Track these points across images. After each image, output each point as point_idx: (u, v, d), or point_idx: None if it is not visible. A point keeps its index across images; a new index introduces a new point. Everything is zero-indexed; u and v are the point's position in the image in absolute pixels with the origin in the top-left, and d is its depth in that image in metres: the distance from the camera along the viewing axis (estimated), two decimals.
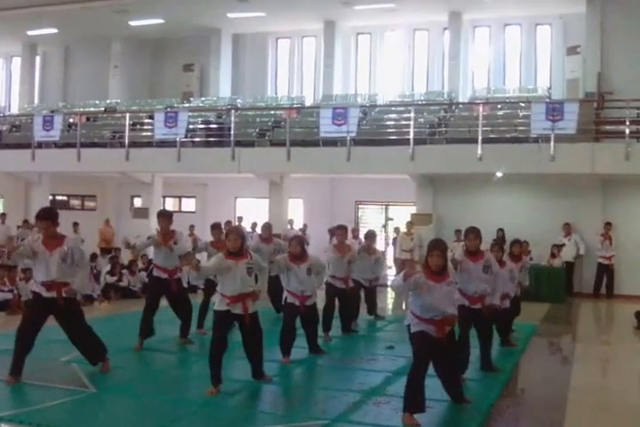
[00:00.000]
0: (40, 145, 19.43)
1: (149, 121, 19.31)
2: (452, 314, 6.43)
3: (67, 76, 26.16)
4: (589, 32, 18.61)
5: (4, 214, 20.09)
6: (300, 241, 8.79)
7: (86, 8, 20.97)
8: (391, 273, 17.52)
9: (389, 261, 17.92)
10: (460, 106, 19.04)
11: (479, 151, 15.34)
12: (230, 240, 7.14)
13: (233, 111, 18.52)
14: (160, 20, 21.93)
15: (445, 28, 21.04)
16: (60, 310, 7.29)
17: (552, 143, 14.82)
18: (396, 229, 18.61)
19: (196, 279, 12.51)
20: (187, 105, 21.77)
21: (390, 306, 15.36)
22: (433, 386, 6.61)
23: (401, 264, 16.27)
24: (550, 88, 19.84)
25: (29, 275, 10.62)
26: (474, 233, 7.84)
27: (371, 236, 11.97)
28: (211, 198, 21.96)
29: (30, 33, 23.83)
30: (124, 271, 15.10)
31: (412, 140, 16.04)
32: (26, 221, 18.95)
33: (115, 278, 14.82)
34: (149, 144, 18.76)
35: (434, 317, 6.36)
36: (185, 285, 10.42)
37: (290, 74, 23.73)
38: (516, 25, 20.91)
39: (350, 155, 16.31)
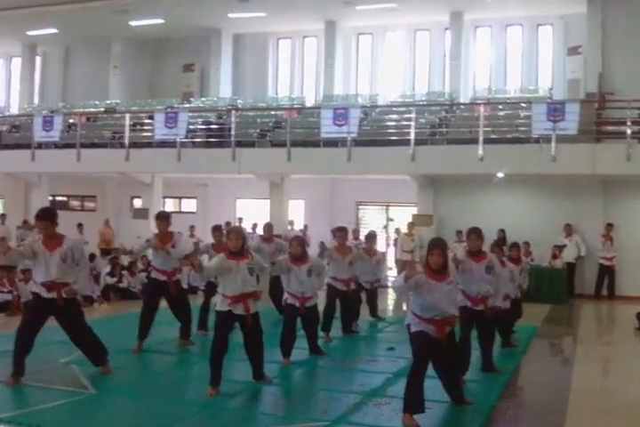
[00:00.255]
0: (40, 145, 19.41)
1: (149, 121, 19.29)
2: (452, 314, 6.41)
3: (67, 76, 26.14)
4: (590, 32, 18.59)
5: (3, 215, 20.07)
6: (300, 242, 8.77)
7: (86, 8, 20.95)
8: (392, 274, 17.46)
9: (390, 262, 17.89)
10: (461, 106, 19.03)
11: (480, 152, 15.32)
12: (231, 240, 7.12)
13: (233, 111, 18.50)
14: (160, 20, 21.91)
15: (446, 29, 21.01)
16: (60, 310, 7.27)
17: (553, 144, 14.81)
18: (397, 230, 18.58)
19: (198, 280, 12.50)
20: (187, 105, 21.75)
21: (391, 307, 15.32)
22: (433, 387, 6.60)
23: (402, 265, 16.23)
24: (551, 88, 19.81)
25: (29, 276, 10.61)
26: (476, 234, 7.82)
27: (371, 237, 11.95)
28: (211, 199, 21.94)
29: (30, 33, 23.81)
30: (124, 272, 15.06)
31: (412, 141, 16.02)
32: (25, 222, 18.94)
33: (115, 280, 14.79)
34: (149, 144, 18.76)
35: (434, 316, 6.33)
36: (185, 286, 10.39)
37: (291, 74, 23.71)
38: (518, 25, 20.88)
39: (351, 155, 16.29)
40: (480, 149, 15.31)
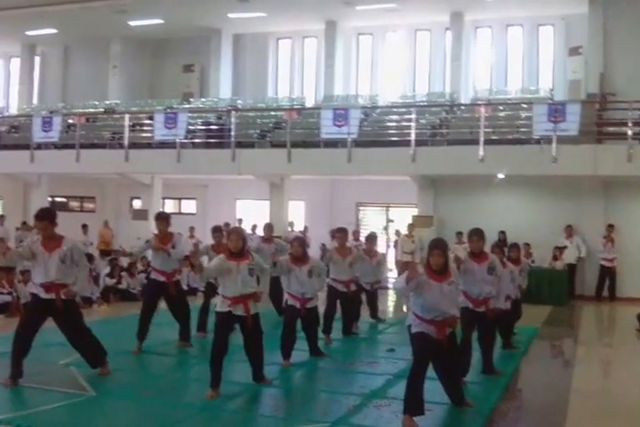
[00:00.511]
0: (39, 146, 19.40)
1: (149, 122, 19.29)
2: (453, 315, 6.39)
3: (66, 76, 26.12)
4: (591, 33, 18.57)
5: (2, 216, 20.01)
6: (301, 243, 8.74)
7: (85, 8, 20.95)
8: (392, 276, 17.42)
9: (390, 263, 17.85)
10: (462, 107, 19.01)
11: (481, 153, 15.30)
12: (232, 240, 7.09)
13: (233, 112, 18.49)
14: (160, 21, 21.90)
15: (447, 29, 21.00)
16: (58, 311, 7.23)
17: (554, 145, 14.80)
18: (397, 232, 18.55)
19: (197, 281, 12.46)
20: (187, 106, 21.75)
21: (391, 309, 15.30)
22: (433, 389, 6.58)
23: (402, 266, 16.19)
24: (552, 89, 19.80)
25: (28, 277, 10.57)
26: (477, 235, 7.80)
27: (372, 238, 11.92)
28: (211, 200, 21.91)
29: (29, 33, 23.81)
30: (124, 274, 15.00)
31: (413, 142, 16.01)
32: (24, 223, 18.89)
33: (114, 281, 14.74)
34: (149, 145, 18.75)
35: (435, 317, 6.31)
36: (185, 287, 10.36)
37: (291, 74, 23.69)
38: (518, 26, 20.88)
39: (351, 156, 16.28)
40: (481, 150, 15.30)
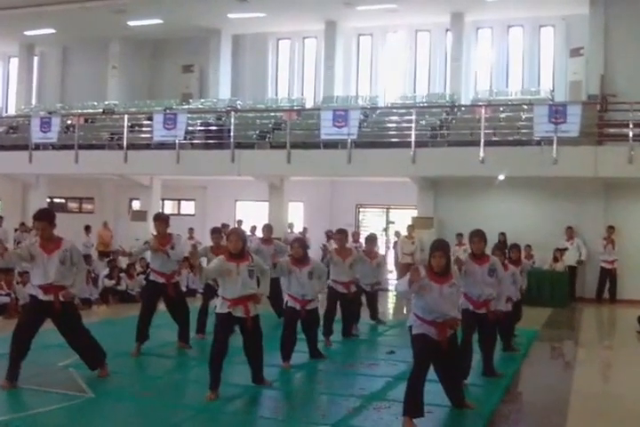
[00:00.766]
0: (37, 147, 19.38)
1: (148, 122, 19.27)
2: (454, 317, 6.35)
3: (64, 76, 26.09)
4: (592, 34, 18.56)
5: (0, 217, 19.92)
6: (302, 244, 8.69)
7: (84, 8, 20.91)
8: (392, 277, 17.39)
9: (390, 264, 17.81)
10: (462, 108, 19.00)
11: (481, 154, 15.29)
12: (231, 241, 7.04)
13: (233, 113, 18.49)
14: (159, 21, 21.88)
15: (447, 30, 21.00)
16: (56, 313, 7.19)
17: (555, 146, 14.79)
18: (397, 233, 18.51)
19: (197, 283, 12.41)
20: (186, 106, 21.72)
21: (391, 311, 15.26)
22: (434, 391, 6.54)
23: (403, 268, 16.15)
24: (553, 90, 19.80)
25: (27, 278, 10.52)
26: (478, 236, 7.76)
27: (372, 239, 11.87)
28: (210, 201, 21.87)
29: (28, 33, 23.80)
30: (123, 275, 14.97)
31: (413, 143, 16.00)
32: (23, 224, 18.84)
33: (113, 282, 14.70)
34: (148, 146, 18.73)
35: (436, 319, 6.28)
36: (184, 288, 10.32)
37: (290, 75, 23.67)
38: (519, 26, 20.88)
39: (351, 157, 16.26)
40: (481, 152, 15.29)
